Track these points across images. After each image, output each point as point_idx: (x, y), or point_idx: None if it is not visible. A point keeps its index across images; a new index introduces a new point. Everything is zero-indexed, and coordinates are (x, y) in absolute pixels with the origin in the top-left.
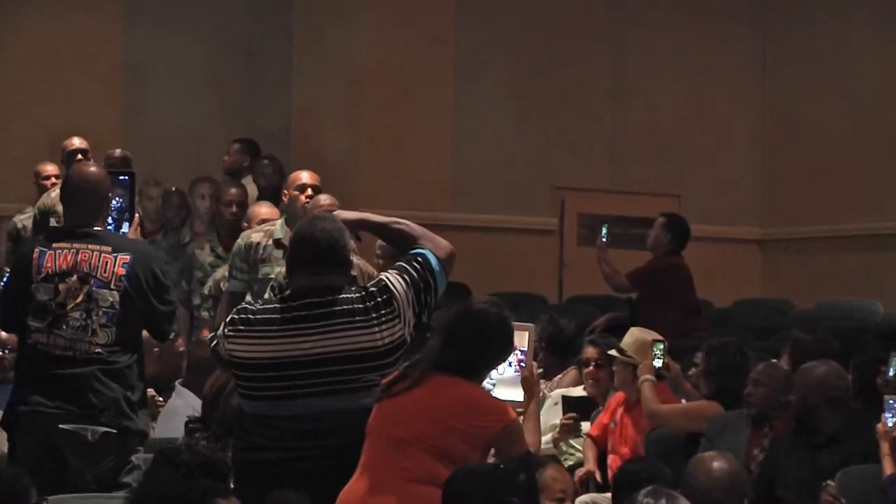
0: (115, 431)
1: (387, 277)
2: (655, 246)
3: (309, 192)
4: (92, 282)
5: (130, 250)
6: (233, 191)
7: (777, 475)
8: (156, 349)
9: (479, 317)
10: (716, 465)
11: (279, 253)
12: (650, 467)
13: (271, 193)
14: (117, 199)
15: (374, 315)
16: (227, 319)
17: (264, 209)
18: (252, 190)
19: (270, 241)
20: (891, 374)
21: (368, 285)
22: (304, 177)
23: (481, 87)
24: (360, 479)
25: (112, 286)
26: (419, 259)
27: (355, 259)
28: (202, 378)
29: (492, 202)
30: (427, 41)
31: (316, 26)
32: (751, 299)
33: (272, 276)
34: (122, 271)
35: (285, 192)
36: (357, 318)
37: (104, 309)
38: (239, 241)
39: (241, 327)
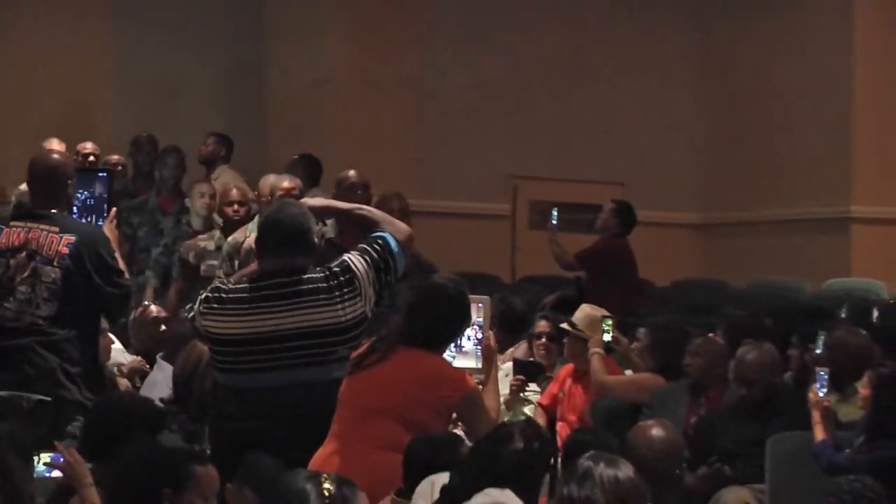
0: (49, 400)
1: (349, 258)
2: (604, 229)
3: (360, 192)
4: (38, 258)
5: (77, 232)
6: (287, 183)
7: (716, 441)
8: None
9: (438, 292)
10: (655, 432)
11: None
12: (597, 437)
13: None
14: (95, 192)
15: (337, 293)
16: (202, 297)
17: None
18: (228, 177)
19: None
20: (818, 351)
21: (332, 265)
22: (352, 175)
23: (443, 86)
24: (331, 446)
25: (54, 263)
26: (379, 241)
27: None
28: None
29: (451, 190)
30: (393, 42)
31: (290, 32)
32: (689, 279)
33: None
34: (66, 251)
35: (336, 191)
36: (321, 296)
37: (46, 284)
38: None
39: (215, 305)
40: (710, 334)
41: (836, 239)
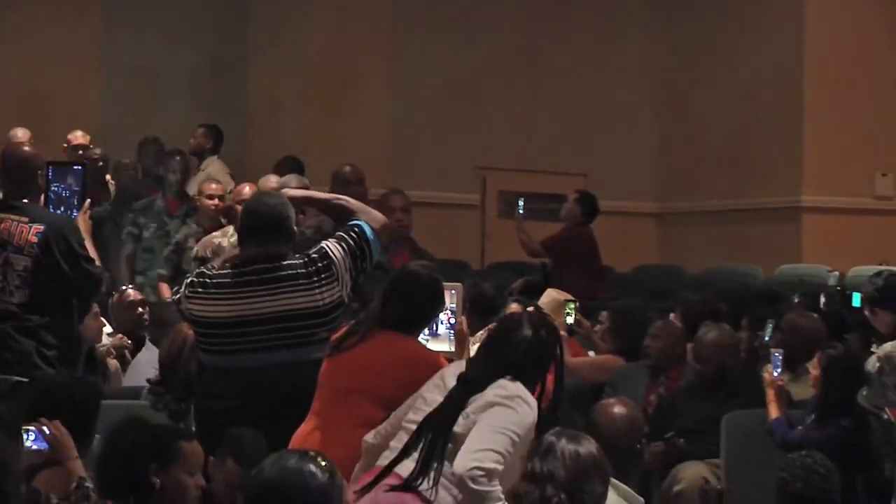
0: (26, 380)
1: (327, 245)
2: (568, 217)
3: (398, 214)
4: (9, 248)
5: (46, 222)
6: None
7: (674, 419)
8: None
9: (412, 278)
10: (616, 410)
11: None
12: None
13: None
14: (70, 185)
15: (315, 279)
16: (188, 282)
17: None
18: (215, 168)
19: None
20: (766, 338)
21: (311, 252)
22: (395, 200)
23: (414, 80)
24: (312, 423)
25: (24, 252)
26: (356, 230)
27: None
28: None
29: (423, 180)
30: (367, 38)
31: (271, 24)
32: (648, 265)
33: None
34: (35, 240)
35: (331, 186)
36: (300, 281)
37: (18, 272)
38: None
39: (199, 290)
40: (670, 316)
41: (788, 227)
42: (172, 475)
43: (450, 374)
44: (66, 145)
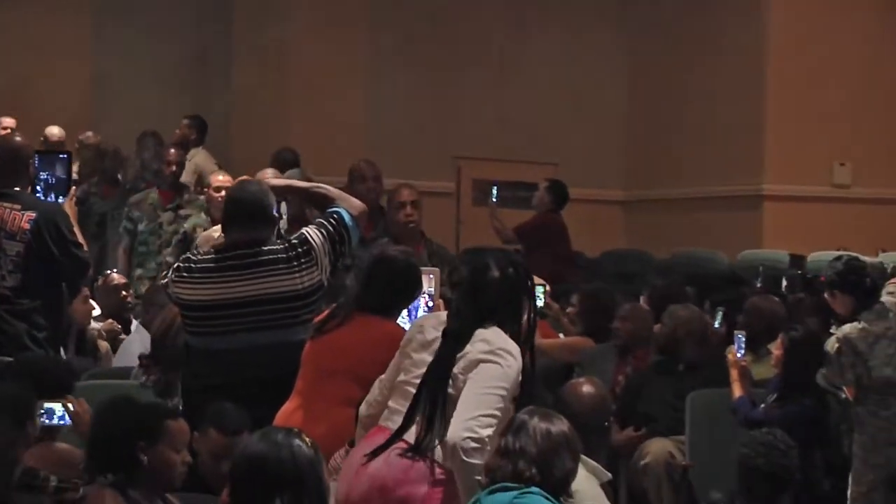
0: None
1: (307, 232)
2: (539, 205)
3: (408, 209)
4: (2, 234)
5: (37, 209)
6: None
7: (642, 396)
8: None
9: (390, 264)
10: (585, 389)
11: None
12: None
13: None
14: (57, 172)
15: (294, 263)
16: (174, 266)
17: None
18: (200, 159)
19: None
20: (717, 325)
21: (291, 238)
22: (405, 194)
23: (392, 73)
24: (295, 402)
25: (17, 238)
26: (335, 216)
27: (436, 246)
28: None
29: (400, 169)
30: (346, 30)
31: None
32: (616, 250)
33: None
34: (27, 226)
35: (346, 183)
36: (280, 265)
37: (10, 257)
38: None
39: (185, 274)
40: (641, 299)
41: (749, 214)
42: (159, 452)
43: (429, 326)
44: (42, 140)
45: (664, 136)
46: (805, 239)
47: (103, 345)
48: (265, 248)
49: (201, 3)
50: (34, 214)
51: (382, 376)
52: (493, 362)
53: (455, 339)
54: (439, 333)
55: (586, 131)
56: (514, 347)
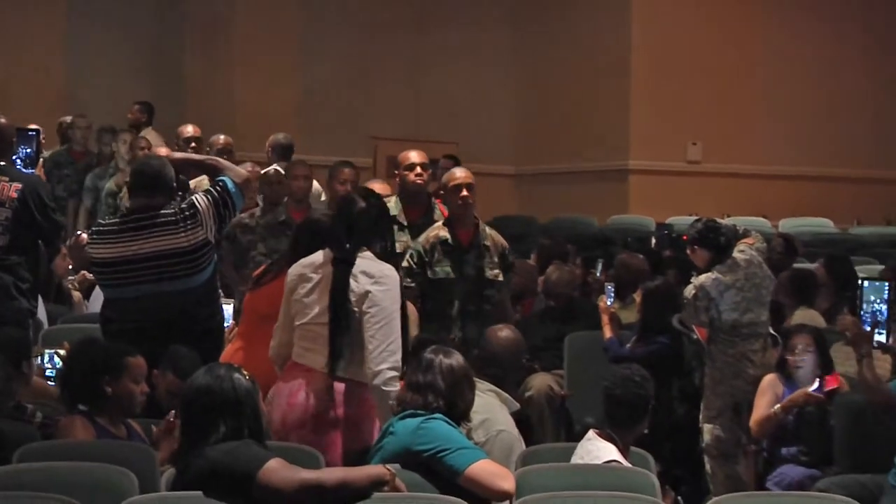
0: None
1: (195, 198)
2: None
3: (418, 170)
4: None
5: (22, 181)
6: (346, 171)
7: (528, 339)
8: (63, 248)
9: (315, 226)
10: (503, 333)
11: (395, 228)
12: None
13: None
14: (32, 147)
15: (181, 224)
16: (89, 232)
17: (377, 185)
18: (152, 137)
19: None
20: (598, 274)
21: (182, 203)
22: (413, 156)
23: (320, 66)
24: (237, 344)
25: (6, 206)
26: (220, 184)
27: (489, 230)
28: None
29: (326, 147)
30: (282, 31)
31: (204, 22)
32: (506, 216)
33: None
34: (15, 195)
35: (397, 171)
36: (169, 227)
37: (0, 222)
38: None
39: (95, 237)
40: (531, 256)
41: (617, 185)
42: (121, 384)
43: (307, 273)
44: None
45: (547, 119)
46: (664, 207)
47: (76, 294)
48: (161, 213)
49: (160, 5)
50: (21, 185)
51: (277, 324)
52: (381, 286)
53: (345, 262)
54: (319, 274)
55: (482, 115)
56: (388, 267)
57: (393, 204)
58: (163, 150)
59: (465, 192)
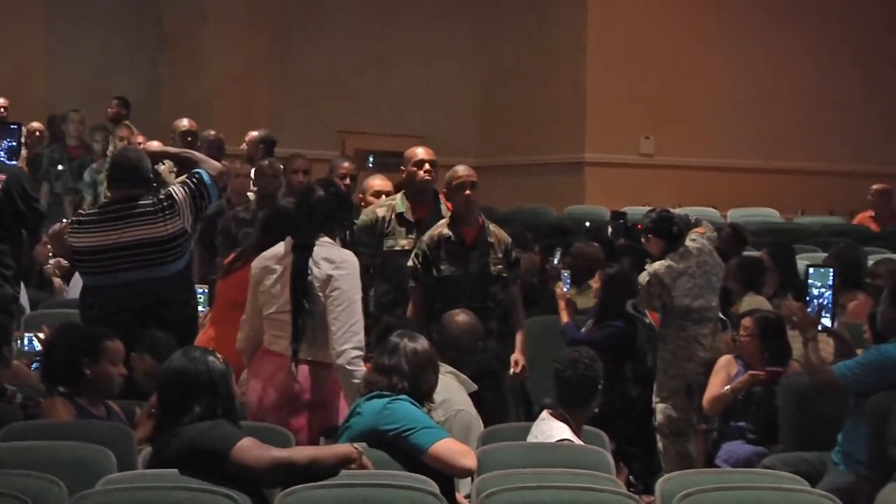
0: None
1: (172, 189)
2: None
3: (427, 166)
4: None
5: (6, 173)
6: (346, 164)
7: None
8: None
9: (284, 214)
10: (460, 318)
11: (402, 227)
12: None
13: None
14: (14, 139)
15: (160, 214)
16: (69, 221)
17: (378, 181)
18: (126, 132)
19: (393, 216)
20: (555, 262)
21: (160, 195)
22: (421, 152)
23: (293, 67)
24: (211, 328)
25: None
26: (196, 176)
27: (492, 227)
28: None
29: (298, 140)
30: (258, 35)
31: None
32: None
33: (396, 248)
34: (0, 187)
35: (403, 168)
36: (148, 217)
37: None
38: (363, 216)
39: (76, 226)
40: None
41: (574, 177)
42: (100, 366)
43: (271, 265)
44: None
45: (507, 115)
46: (618, 197)
47: (56, 280)
48: (139, 203)
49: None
50: (5, 177)
51: (244, 316)
52: (341, 271)
53: (305, 248)
54: (283, 264)
55: (445, 110)
56: (348, 253)
57: (399, 201)
58: (154, 144)
59: (468, 191)
